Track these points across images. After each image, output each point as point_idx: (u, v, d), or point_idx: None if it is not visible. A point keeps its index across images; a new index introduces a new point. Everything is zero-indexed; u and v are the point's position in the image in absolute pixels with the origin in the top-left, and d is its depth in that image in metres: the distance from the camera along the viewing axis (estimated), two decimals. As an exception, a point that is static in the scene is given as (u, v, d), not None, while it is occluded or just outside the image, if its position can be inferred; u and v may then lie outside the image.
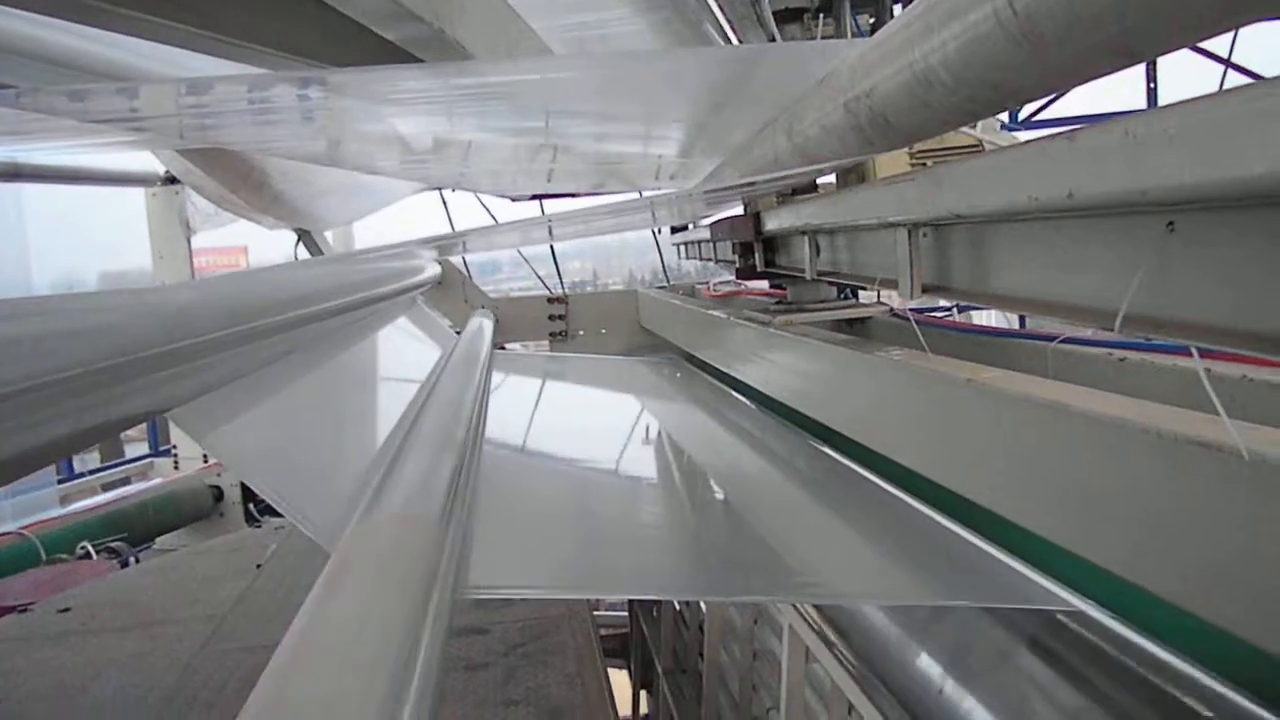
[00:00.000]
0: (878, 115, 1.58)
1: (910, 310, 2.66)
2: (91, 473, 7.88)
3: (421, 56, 1.96)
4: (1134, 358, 2.21)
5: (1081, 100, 8.03)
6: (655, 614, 5.44)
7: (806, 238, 2.92)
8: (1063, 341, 2.45)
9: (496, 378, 4.29)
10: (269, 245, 8.12)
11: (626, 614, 6.77)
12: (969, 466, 1.67)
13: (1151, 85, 7.69)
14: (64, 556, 5.29)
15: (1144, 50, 1.01)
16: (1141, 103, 7.83)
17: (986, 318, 7.51)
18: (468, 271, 6.69)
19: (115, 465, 8.29)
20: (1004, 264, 1.70)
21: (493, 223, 6.47)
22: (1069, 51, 1.02)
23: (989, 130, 3.73)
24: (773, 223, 3.40)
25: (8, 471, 1.27)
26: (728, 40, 4.26)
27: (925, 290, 2.00)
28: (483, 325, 5.07)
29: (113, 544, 5.56)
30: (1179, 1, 0.86)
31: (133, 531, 6.02)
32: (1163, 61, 7.16)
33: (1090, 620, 1.71)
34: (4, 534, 5.41)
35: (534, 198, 6.32)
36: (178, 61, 2.49)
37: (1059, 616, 1.76)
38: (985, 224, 1.72)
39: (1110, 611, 1.71)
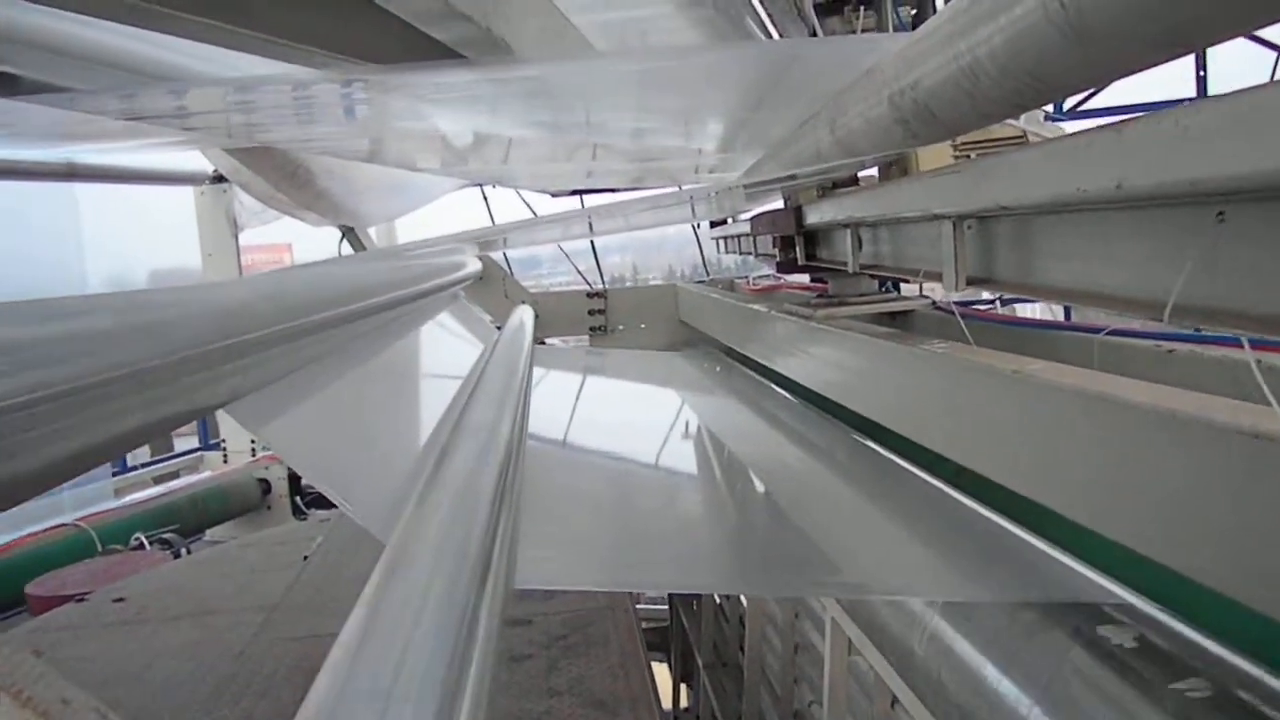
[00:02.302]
0: (922, 108, 1.58)
1: (954, 303, 2.65)
2: (144, 466, 8.05)
3: (468, 54, 1.99)
4: (1183, 349, 2.19)
5: (1127, 90, 7.89)
6: (695, 607, 5.45)
7: (849, 231, 2.92)
8: (1109, 334, 2.42)
9: (537, 372, 4.32)
10: (313, 243, 8.23)
11: (666, 607, 6.79)
12: (1015, 459, 1.66)
13: (1201, 74, 7.53)
14: (119, 547, 5.42)
15: (1194, 40, 1.00)
16: (1190, 92, 7.68)
17: (1031, 313, 7.43)
18: (509, 267, 6.74)
19: (166, 459, 8.47)
20: (1050, 255, 1.69)
21: (533, 217, 6.50)
22: (1118, 43, 1.02)
23: (1033, 122, 3.69)
24: (814, 216, 3.39)
25: (76, 466, 1.31)
26: (768, 35, 4.25)
27: (970, 282, 1.99)
28: (524, 320, 5.11)
29: (165, 535, 5.69)
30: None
31: (184, 523, 6.16)
32: (1213, 49, 7.02)
33: (1141, 614, 1.69)
34: (62, 525, 5.56)
35: (574, 193, 6.35)
36: (228, 63, 2.54)
37: (1108, 610, 1.75)
38: (1031, 215, 1.72)
39: (1161, 605, 1.69)
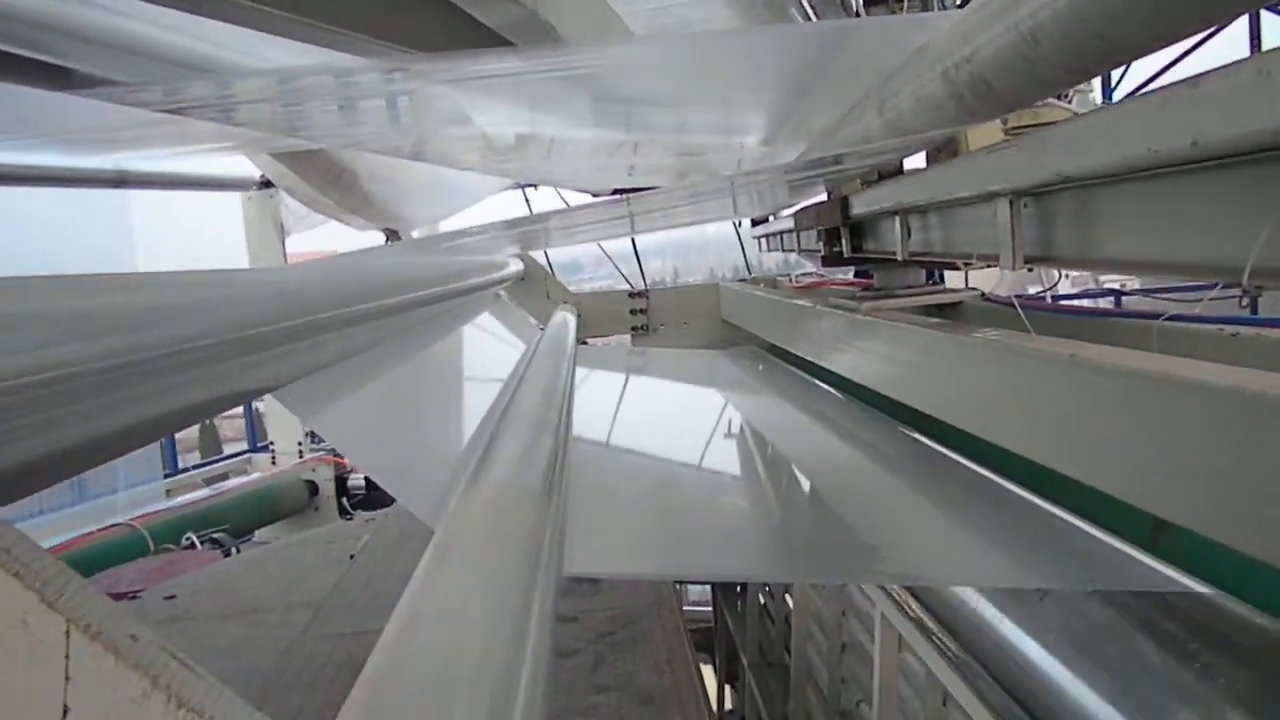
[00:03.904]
0: (979, 81, 1.53)
1: (1004, 295, 2.60)
2: (194, 468, 8.18)
3: (514, 40, 1.99)
4: (1247, 332, 2.12)
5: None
6: (740, 608, 5.40)
7: (897, 218, 2.86)
8: (1168, 319, 2.36)
9: (580, 372, 4.32)
10: (357, 247, 8.32)
11: (711, 609, 6.75)
12: (1074, 445, 1.61)
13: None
14: (171, 546, 5.51)
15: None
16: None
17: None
18: (550, 269, 6.76)
19: (216, 461, 8.60)
20: (1115, 226, 1.64)
21: (572, 206, 6.51)
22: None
23: (1084, 105, 3.61)
24: (861, 206, 3.34)
25: (127, 442, 1.31)
26: (811, 25, 4.21)
27: (1028, 261, 1.94)
28: (566, 319, 5.11)
29: (215, 535, 5.76)
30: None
31: (233, 524, 6.23)
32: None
33: (1208, 602, 1.64)
34: (116, 525, 5.65)
35: (615, 192, 6.35)
36: (272, 57, 2.56)
37: (1172, 599, 1.69)
38: (1094, 186, 1.66)
39: (1227, 593, 1.63)
